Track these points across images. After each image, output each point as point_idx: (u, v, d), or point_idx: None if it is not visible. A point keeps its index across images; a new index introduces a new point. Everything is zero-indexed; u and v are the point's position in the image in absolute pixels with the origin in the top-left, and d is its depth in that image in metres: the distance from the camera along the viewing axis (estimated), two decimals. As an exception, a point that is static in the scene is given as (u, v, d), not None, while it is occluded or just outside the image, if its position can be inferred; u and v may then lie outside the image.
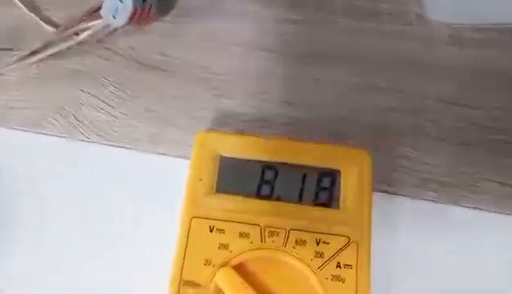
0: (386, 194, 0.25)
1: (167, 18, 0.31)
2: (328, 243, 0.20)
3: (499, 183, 0.26)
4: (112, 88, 0.29)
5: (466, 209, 0.25)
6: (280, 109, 0.28)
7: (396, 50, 0.30)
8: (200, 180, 0.21)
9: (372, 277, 0.20)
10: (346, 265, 0.20)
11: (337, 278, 0.19)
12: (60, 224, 0.25)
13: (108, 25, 0.27)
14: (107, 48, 0.30)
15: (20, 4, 0.31)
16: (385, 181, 0.26)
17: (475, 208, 0.25)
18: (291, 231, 0.20)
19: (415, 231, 0.24)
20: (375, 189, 0.25)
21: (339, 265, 0.20)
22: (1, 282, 0.24)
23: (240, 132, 0.26)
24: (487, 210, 0.25)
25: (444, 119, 0.28)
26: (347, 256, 0.20)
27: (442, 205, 0.25)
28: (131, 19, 0.26)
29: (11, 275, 0.24)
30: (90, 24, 0.28)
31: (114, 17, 0.25)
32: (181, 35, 0.30)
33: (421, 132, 0.28)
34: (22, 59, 0.29)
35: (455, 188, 0.26)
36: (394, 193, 0.25)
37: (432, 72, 0.29)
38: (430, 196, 0.26)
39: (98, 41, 0.29)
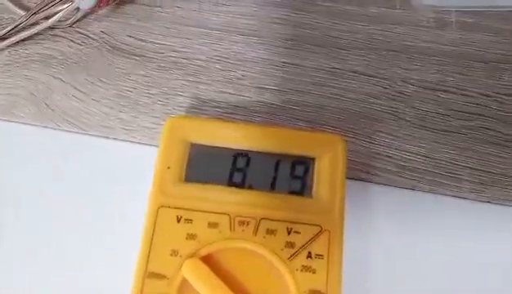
0: (363, 182, 0.25)
1: (142, 0, 0.30)
2: (299, 233, 0.19)
3: (480, 170, 0.26)
4: (84, 74, 0.28)
5: (445, 197, 0.25)
6: (257, 95, 0.27)
7: (378, 34, 0.29)
8: (169, 168, 0.21)
9: (345, 266, 0.20)
10: (317, 255, 0.19)
11: (308, 268, 0.19)
12: (32, 213, 0.25)
13: (78, 8, 0.26)
14: (80, 33, 0.29)
15: (-12, -13, 0.30)
16: (363, 169, 0.25)
17: (454, 197, 0.25)
18: (262, 220, 0.20)
19: (392, 219, 0.24)
20: (352, 177, 0.25)
21: (309, 256, 0.19)
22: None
23: (212, 118, 0.25)
24: (467, 198, 0.25)
25: (425, 106, 0.27)
26: (318, 246, 0.19)
27: (421, 193, 0.25)
28: (100, 2, 0.25)
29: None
30: (60, 7, 0.27)
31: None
32: (156, 19, 0.29)
33: (402, 119, 0.27)
34: (-10, 43, 0.28)
35: (434, 176, 0.25)
36: (372, 181, 0.25)
37: (415, 57, 0.29)
38: (409, 184, 0.25)
39: (70, 26, 0.29)
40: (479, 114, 0.27)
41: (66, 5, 0.27)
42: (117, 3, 0.29)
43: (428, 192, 0.25)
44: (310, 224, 0.20)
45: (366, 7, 0.30)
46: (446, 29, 0.29)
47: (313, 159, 0.21)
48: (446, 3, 0.30)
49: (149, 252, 0.19)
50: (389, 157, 0.26)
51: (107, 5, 0.26)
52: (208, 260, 0.19)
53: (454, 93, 0.28)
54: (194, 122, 0.22)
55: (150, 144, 0.26)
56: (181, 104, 0.27)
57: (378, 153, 0.25)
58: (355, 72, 0.28)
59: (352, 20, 0.29)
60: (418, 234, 0.24)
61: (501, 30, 0.29)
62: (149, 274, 0.19)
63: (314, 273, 0.19)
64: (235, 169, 0.21)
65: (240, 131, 0.22)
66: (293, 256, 0.19)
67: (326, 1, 0.30)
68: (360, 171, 0.25)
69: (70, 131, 0.26)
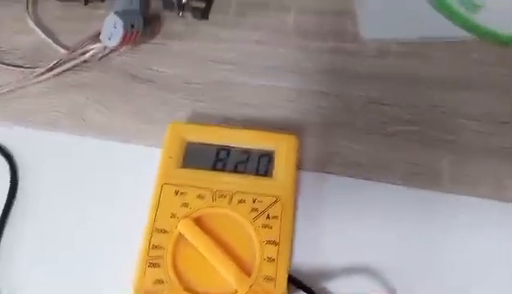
0: (317, 173, 0.33)
1: (153, 40, 0.39)
2: (261, 202, 0.27)
3: (409, 163, 0.33)
4: (111, 96, 0.37)
5: (382, 184, 0.32)
6: (240, 109, 0.36)
7: (335, 62, 0.38)
8: (170, 157, 0.29)
9: (301, 236, 0.28)
10: (273, 217, 0.27)
11: (266, 225, 0.27)
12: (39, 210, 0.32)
13: (105, 47, 0.35)
14: (107, 65, 0.38)
15: (39, 32, 0.39)
16: (319, 163, 0.33)
17: (388, 183, 0.32)
18: (235, 194, 0.28)
19: (340, 202, 0.32)
20: (309, 169, 0.33)
21: (268, 217, 0.27)
22: None
23: (202, 123, 0.33)
24: (399, 184, 0.32)
25: (371, 116, 0.35)
26: (274, 211, 0.27)
27: (362, 181, 0.32)
28: (122, 41, 0.34)
29: None
30: (92, 46, 0.36)
31: (109, 39, 0.33)
32: (164, 53, 0.38)
33: (352, 126, 0.35)
34: (41, 74, 0.37)
35: (373, 168, 0.33)
36: (324, 172, 0.33)
37: (363, 80, 0.37)
38: (353, 174, 0.33)
39: (100, 59, 0.38)
40: (411, 121, 0.35)
41: (96, 44, 0.36)
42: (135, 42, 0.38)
43: (368, 180, 0.32)
44: (269, 196, 0.28)
45: (326, 42, 0.38)
46: (388, 57, 0.38)
47: (274, 151, 0.29)
48: (387, 36, 0.38)
49: (155, 215, 0.27)
50: (340, 154, 0.34)
51: (128, 44, 0.35)
52: (197, 221, 0.27)
53: (393, 106, 0.36)
54: (188, 126, 0.31)
55: (159, 147, 0.34)
56: (183, 117, 0.35)
57: (331, 152, 0.33)
58: (317, 92, 0.36)
59: (315, 52, 0.38)
60: (357, 213, 0.31)
61: (432, 56, 0.37)
62: (155, 229, 0.27)
63: (271, 228, 0.27)
64: (218, 159, 0.29)
65: (222, 133, 0.30)
66: (256, 217, 0.27)
67: (296, 37, 0.39)
68: (316, 163, 0.33)
69: (100, 138, 0.35)
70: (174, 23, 0.40)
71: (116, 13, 0.33)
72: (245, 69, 0.38)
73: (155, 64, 0.38)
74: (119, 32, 0.33)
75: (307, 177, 0.32)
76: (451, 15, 0.32)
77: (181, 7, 0.40)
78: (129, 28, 0.34)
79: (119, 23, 0.33)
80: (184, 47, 0.39)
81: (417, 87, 0.36)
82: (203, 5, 0.40)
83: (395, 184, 0.32)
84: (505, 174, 0.32)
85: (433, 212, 0.32)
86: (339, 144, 0.34)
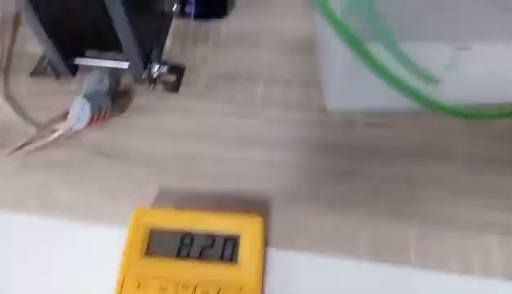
0: (283, 249, 0.32)
1: (123, 114, 0.39)
2: (226, 292, 0.27)
3: (376, 237, 0.33)
4: (78, 174, 0.37)
5: (349, 259, 0.32)
6: (208, 184, 0.36)
7: (301, 133, 0.38)
8: (133, 246, 0.29)
9: None
10: (238, 311, 0.27)
11: (230, 318, 0.26)
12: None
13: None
14: (75, 142, 0.38)
15: (9, 109, 0.39)
16: (285, 239, 0.33)
17: (355, 257, 0.32)
18: (199, 285, 0.27)
19: (306, 280, 0.31)
20: (275, 246, 0.33)
21: (233, 311, 0.27)
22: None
23: (166, 208, 0.33)
24: (366, 258, 0.33)
25: (337, 188, 0.36)
26: (239, 301, 0.27)
27: (328, 256, 0.32)
28: (90, 122, 0.34)
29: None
30: (61, 125, 0.36)
31: (77, 121, 0.34)
32: (133, 128, 0.39)
33: (319, 199, 0.35)
34: (9, 153, 0.37)
35: (339, 242, 0.33)
36: (290, 248, 0.33)
37: (328, 150, 0.37)
38: (319, 249, 0.33)
39: (69, 136, 0.38)
40: (378, 193, 0.35)
41: (66, 123, 0.36)
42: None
43: (335, 256, 0.32)
44: (234, 286, 0.27)
45: (292, 113, 0.39)
46: (353, 127, 0.39)
47: (239, 236, 0.29)
48: (352, 108, 0.39)
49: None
50: (304, 229, 0.34)
51: (96, 123, 0.36)
52: (159, 314, 0.27)
53: (358, 177, 0.36)
54: (152, 212, 0.31)
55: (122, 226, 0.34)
56: (151, 193, 0.35)
57: (295, 227, 0.33)
58: (284, 163, 0.37)
59: (282, 123, 0.39)
60: (324, 289, 0.31)
61: (396, 126, 0.38)
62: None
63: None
64: (183, 245, 0.29)
65: (186, 217, 0.30)
66: (220, 310, 0.27)
67: (264, 109, 0.40)
68: (279, 240, 0.33)
69: (65, 219, 0.35)
70: (145, 96, 0.40)
71: (84, 96, 0.34)
72: (214, 141, 0.38)
73: (125, 140, 0.38)
74: (87, 114, 0.33)
75: (274, 254, 0.32)
76: (408, 92, 0.33)
77: (153, 81, 0.40)
78: (96, 110, 0.34)
79: (87, 106, 0.33)
80: (154, 121, 0.39)
81: (383, 158, 0.37)
82: (173, 78, 0.41)
83: (362, 258, 0.33)
84: (471, 247, 0.33)
85: (400, 287, 0.32)
86: (305, 218, 0.34)
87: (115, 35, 0.35)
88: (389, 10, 0.32)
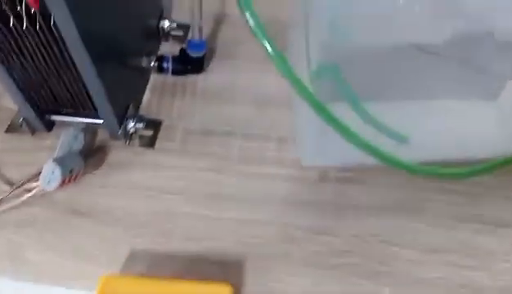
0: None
1: (98, 170, 0.39)
2: None
3: (349, 299, 0.33)
4: (49, 233, 0.36)
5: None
6: (181, 243, 0.36)
7: (275, 190, 0.38)
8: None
9: None
10: None
11: None
12: None
13: (46, 188, 0.35)
14: (47, 200, 0.38)
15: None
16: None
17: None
18: None
19: None
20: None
21: None
22: None
23: (134, 276, 0.33)
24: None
25: (310, 247, 0.36)
26: None
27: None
28: (62, 184, 0.34)
29: None
30: (34, 184, 0.36)
31: (48, 184, 0.34)
32: (108, 185, 0.39)
33: (292, 258, 0.35)
34: (-20, 212, 0.36)
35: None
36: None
37: (303, 206, 0.38)
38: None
39: (42, 194, 0.38)
40: (351, 252, 0.35)
41: (39, 182, 0.36)
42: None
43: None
44: None
45: (267, 168, 0.40)
46: (327, 183, 0.39)
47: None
48: (326, 163, 0.40)
49: None
50: (277, 287, 0.33)
51: (68, 184, 0.35)
52: None
53: (332, 235, 0.36)
54: (119, 280, 0.31)
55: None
56: (122, 254, 0.35)
57: (270, 289, 0.33)
58: (258, 221, 0.37)
59: (257, 179, 0.39)
60: None
61: (369, 182, 0.39)
62: None
63: None
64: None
65: (154, 287, 0.30)
66: None
67: (240, 164, 0.40)
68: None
69: (37, 282, 0.34)
70: (121, 152, 0.40)
71: (55, 160, 0.34)
72: (189, 198, 0.38)
73: (98, 198, 0.38)
74: (57, 178, 0.33)
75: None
76: (373, 153, 0.33)
77: (129, 137, 0.41)
78: (68, 173, 0.34)
79: (57, 170, 0.33)
80: (128, 178, 0.39)
81: (356, 215, 0.37)
82: (150, 133, 0.41)
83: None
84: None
85: None
86: (279, 279, 0.34)
87: (89, 96, 0.35)
88: (355, 74, 0.33)
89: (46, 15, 0.29)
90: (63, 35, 0.30)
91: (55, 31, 0.30)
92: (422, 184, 0.38)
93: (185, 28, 0.48)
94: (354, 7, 0.31)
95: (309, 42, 0.36)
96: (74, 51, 0.31)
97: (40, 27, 0.30)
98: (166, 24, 0.47)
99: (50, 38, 0.31)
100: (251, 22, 0.29)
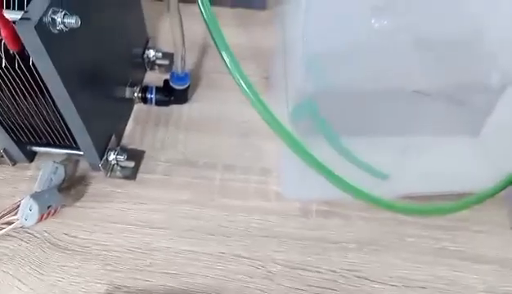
0: None
1: (78, 202, 0.39)
2: None
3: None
4: (27, 268, 0.36)
5: None
6: (159, 279, 0.35)
7: (257, 223, 0.38)
8: None
9: None
10: None
11: None
12: None
13: (24, 222, 0.35)
14: (27, 232, 0.37)
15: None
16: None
17: None
18: None
19: None
20: None
21: None
22: None
23: None
24: None
25: (290, 282, 0.35)
26: None
27: None
28: (40, 219, 0.34)
29: None
30: (13, 217, 0.36)
31: (26, 220, 0.34)
32: (87, 217, 0.38)
33: (270, 294, 0.35)
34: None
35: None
36: None
37: (283, 241, 0.38)
38: None
39: (22, 227, 0.37)
40: (329, 288, 0.35)
41: (15, 218, 0.36)
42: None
43: None
44: None
45: (248, 200, 0.40)
46: (308, 217, 0.39)
47: None
48: (308, 196, 0.40)
49: None
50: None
51: (47, 218, 0.35)
52: None
53: (310, 271, 0.36)
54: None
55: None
56: (99, 290, 0.35)
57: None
58: (238, 256, 0.37)
59: (238, 212, 0.39)
60: None
61: (350, 216, 0.39)
62: None
63: None
64: None
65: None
66: None
67: (220, 197, 0.40)
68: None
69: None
70: (102, 183, 0.40)
71: (32, 196, 0.34)
72: (168, 233, 0.38)
73: (77, 230, 0.38)
74: (35, 215, 0.33)
75: None
76: (349, 190, 0.33)
77: (110, 168, 0.41)
78: (45, 210, 0.34)
79: (35, 207, 0.33)
80: (108, 210, 0.39)
81: (335, 250, 0.37)
82: (131, 164, 0.41)
83: None
84: None
85: None
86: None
87: (69, 130, 0.36)
88: (334, 111, 0.34)
89: (25, 55, 0.29)
90: (41, 75, 0.30)
91: (33, 70, 0.30)
92: (402, 218, 0.38)
93: (170, 57, 0.48)
94: (329, 41, 0.31)
95: (287, 82, 0.37)
96: (53, 90, 0.31)
97: (19, 66, 0.30)
98: (151, 53, 0.48)
99: (29, 76, 0.31)
100: (227, 61, 0.30)
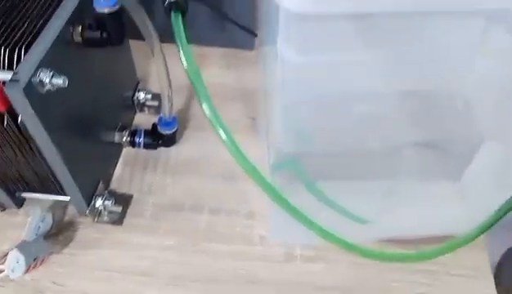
0: None
1: (65, 249, 0.40)
2: None
3: None
4: (13, 317, 0.36)
5: None
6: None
7: (241, 268, 0.39)
8: None
9: None
10: None
11: None
12: None
13: (11, 271, 0.35)
14: (15, 281, 0.37)
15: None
16: None
17: None
18: None
19: None
20: None
21: None
22: None
23: None
24: None
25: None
26: None
27: None
28: (27, 270, 0.34)
29: None
30: (1, 267, 0.36)
31: (13, 272, 0.34)
32: (74, 264, 0.39)
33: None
34: None
35: None
36: None
37: (267, 287, 0.38)
38: None
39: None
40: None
41: (3, 267, 0.36)
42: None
43: None
44: None
45: (234, 245, 0.40)
46: (293, 261, 0.39)
47: None
48: (293, 240, 0.41)
49: None
50: None
51: (34, 268, 0.36)
52: None
53: (294, 318, 0.36)
54: None
55: None
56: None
57: None
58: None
59: (222, 257, 0.39)
60: None
61: (335, 260, 0.39)
62: None
63: None
64: None
65: None
66: None
67: (205, 241, 0.40)
68: None
69: None
70: (89, 228, 0.41)
71: (19, 249, 0.34)
72: (154, 280, 0.38)
73: (64, 278, 0.38)
74: (22, 267, 0.34)
75: None
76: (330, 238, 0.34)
77: (97, 214, 0.41)
78: (32, 261, 0.34)
79: (22, 259, 0.34)
80: (95, 257, 0.39)
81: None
82: (119, 209, 0.42)
83: None
84: None
85: None
86: None
87: (57, 179, 0.36)
88: (314, 162, 0.35)
89: (13, 114, 0.30)
90: (30, 132, 0.31)
91: (22, 128, 0.31)
92: (385, 263, 0.39)
93: (160, 98, 0.49)
94: (308, 92, 0.32)
95: (268, 129, 0.38)
96: (40, 143, 0.32)
97: (8, 123, 0.31)
98: (141, 95, 0.49)
99: (17, 133, 0.32)
100: (208, 112, 0.30)
